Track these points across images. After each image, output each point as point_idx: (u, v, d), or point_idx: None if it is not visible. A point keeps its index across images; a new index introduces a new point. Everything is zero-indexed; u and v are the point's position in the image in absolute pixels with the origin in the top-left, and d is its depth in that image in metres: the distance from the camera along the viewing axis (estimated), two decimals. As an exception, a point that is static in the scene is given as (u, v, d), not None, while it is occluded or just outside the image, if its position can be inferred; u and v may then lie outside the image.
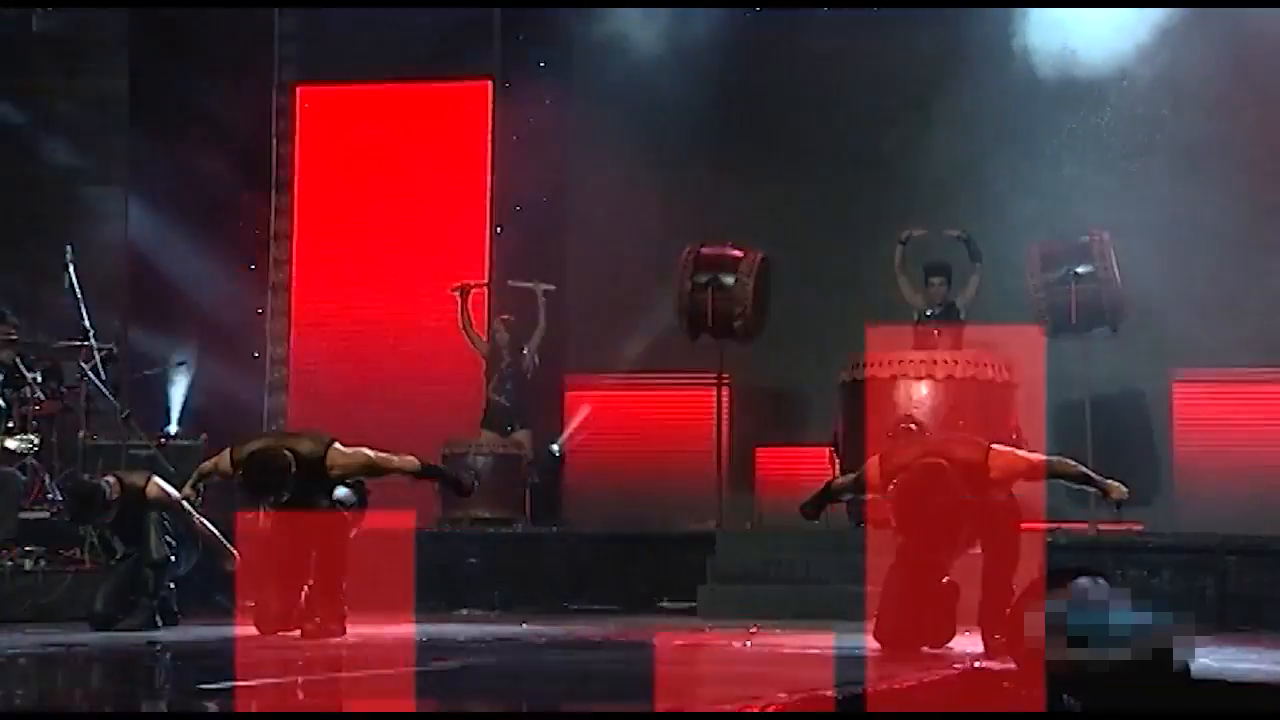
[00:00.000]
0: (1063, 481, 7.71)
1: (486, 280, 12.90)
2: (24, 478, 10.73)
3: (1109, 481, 7.49)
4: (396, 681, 6.03)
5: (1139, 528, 11.62)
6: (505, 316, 12.62)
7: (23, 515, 10.55)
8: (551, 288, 12.60)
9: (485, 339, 12.56)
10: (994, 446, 7.48)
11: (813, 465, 11.39)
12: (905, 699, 5.58)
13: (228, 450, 8.44)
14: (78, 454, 11.31)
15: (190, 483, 8.80)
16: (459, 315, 12.49)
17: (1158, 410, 12.25)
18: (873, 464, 7.56)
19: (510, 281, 12.67)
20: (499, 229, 13.40)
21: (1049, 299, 11.01)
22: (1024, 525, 7.65)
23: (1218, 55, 11.66)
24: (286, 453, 8.11)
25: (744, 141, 13.14)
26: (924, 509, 7.14)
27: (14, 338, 11.32)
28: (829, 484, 7.99)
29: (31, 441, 10.71)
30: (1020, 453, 7.65)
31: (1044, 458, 7.63)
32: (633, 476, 12.77)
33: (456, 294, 12.49)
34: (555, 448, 12.82)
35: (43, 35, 13.57)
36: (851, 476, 7.87)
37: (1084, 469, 7.66)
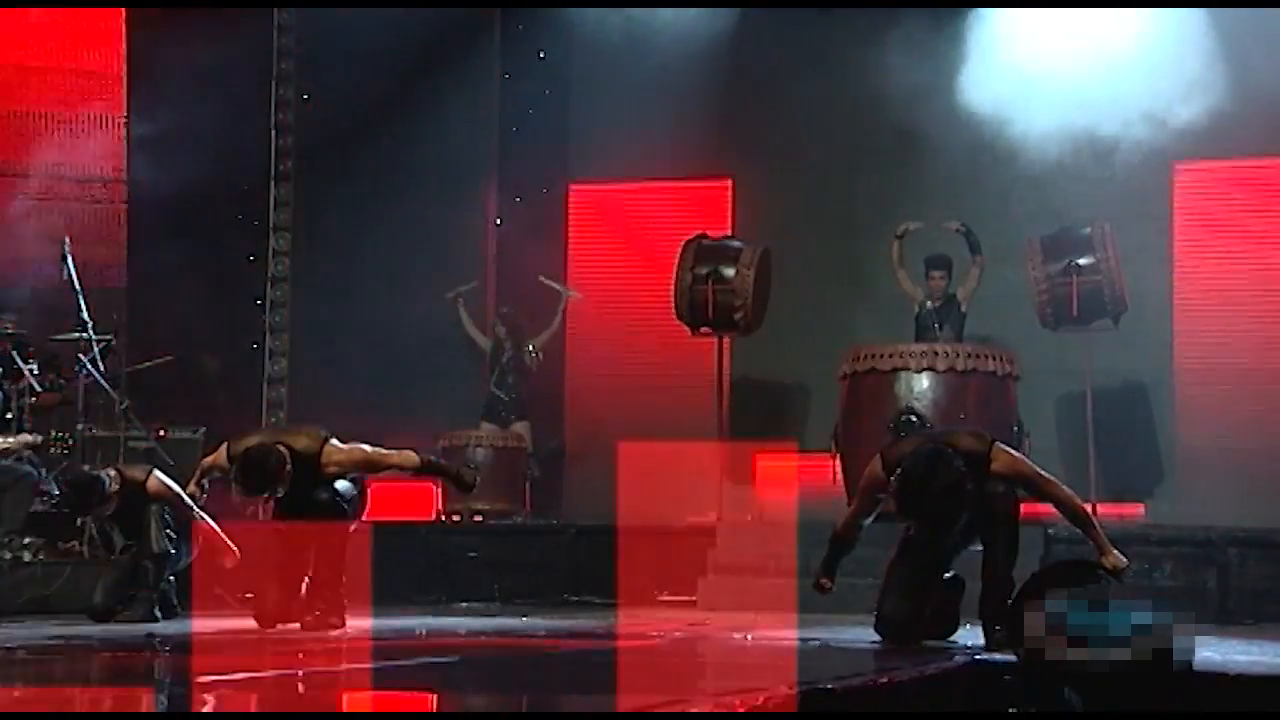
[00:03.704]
0: (1061, 513, 7.56)
1: (474, 282, 12.79)
2: (36, 474, 10.73)
3: (1113, 550, 7.25)
4: (396, 675, 6.01)
5: (1139, 510, 11.64)
6: (504, 309, 12.61)
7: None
8: (579, 296, 12.59)
9: (487, 335, 12.56)
10: (998, 443, 7.44)
11: (814, 471, 11.37)
12: (906, 692, 5.56)
13: (225, 445, 8.42)
14: (76, 446, 11.29)
15: (194, 479, 8.77)
16: (460, 320, 12.50)
17: (1159, 403, 12.24)
18: (874, 463, 7.51)
19: (542, 277, 12.65)
20: (499, 221, 13.39)
21: (1050, 291, 11.00)
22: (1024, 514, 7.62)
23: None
24: (281, 449, 8.08)
25: (745, 133, 13.12)
26: (927, 493, 7.11)
27: (10, 330, 11.31)
28: (833, 535, 7.73)
29: (26, 442, 10.70)
30: (1028, 461, 7.56)
31: (1052, 479, 7.42)
32: (633, 469, 12.74)
33: (457, 302, 12.50)
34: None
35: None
36: (852, 508, 7.77)
37: (1092, 518, 7.45)
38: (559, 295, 12.54)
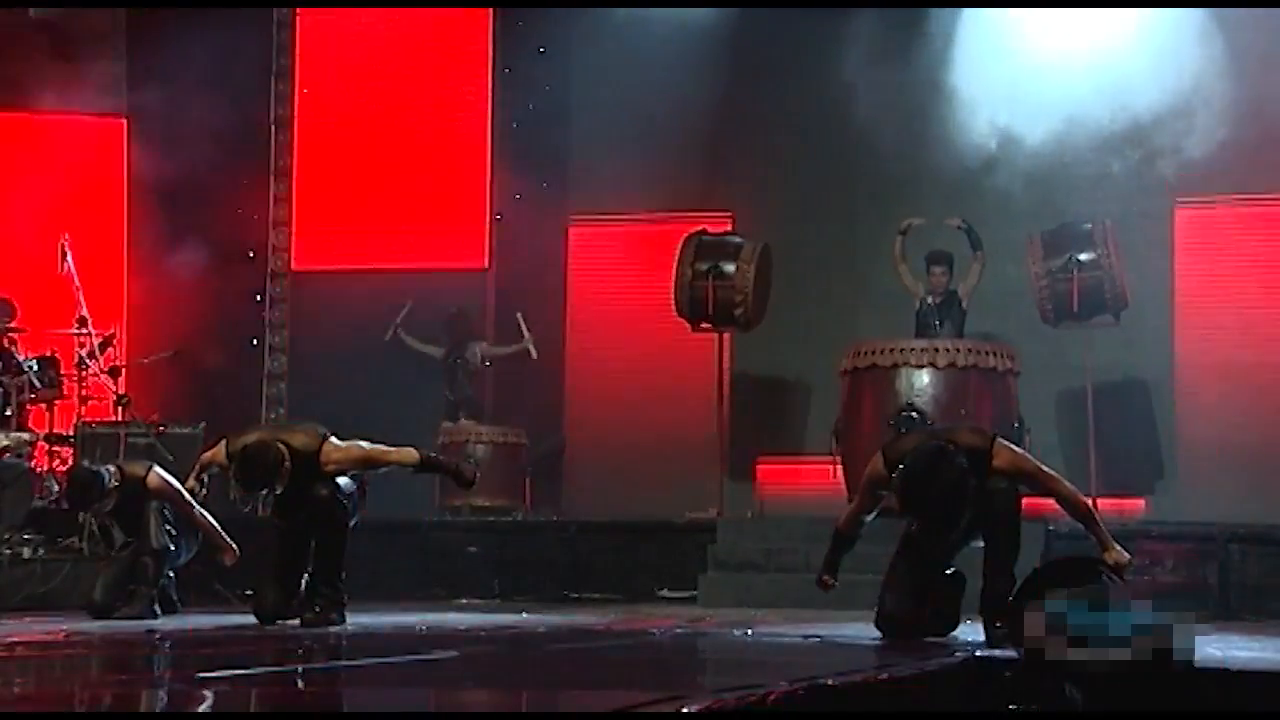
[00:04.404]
0: (1063, 509, 7.53)
1: (409, 304, 12.73)
2: (34, 469, 10.74)
3: (1115, 545, 7.21)
4: (396, 671, 6.01)
5: (1140, 505, 11.63)
6: (452, 310, 12.61)
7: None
8: (534, 355, 12.51)
9: (439, 346, 12.58)
10: (999, 439, 7.42)
11: (815, 479, 11.36)
12: (907, 689, 5.55)
13: (223, 442, 8.40)
14: (76, 442, 11.29)
15: (194, 474, 8.75)
16: (412, 348, 12.52)
17: (1160, 398, 12.24)
18: (875, 460, 7.48)
19: (519, 314, 12.61)
20: (498, 215, 13.39)
21: (1051, 287, 10.99)
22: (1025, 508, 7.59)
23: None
24: (279, 446, 8.04)
25: (745, 127, 13.11)
26: (930, 490, 7.09)
27: (10, 326, 11.30)
28: (835, 532, 7.69)
29: (24, 439, 10.70)
30: (1030, 457, 7.54)
31: (1054, 474, 7.39)
32: (633, 464, 12.74)
33: (398, 334, 12.50)
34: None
35: (38, 22, 13.51)
36: (853, 504, 7.73)
37: (1095, 513, 7.41)
38: (522, 334, 12.53)
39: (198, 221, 13.05)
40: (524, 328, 12.53)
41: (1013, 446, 7.51)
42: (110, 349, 11.68)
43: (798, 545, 10.21)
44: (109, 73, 13.45)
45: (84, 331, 11.45)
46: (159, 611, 8.85)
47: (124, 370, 11.95)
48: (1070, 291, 10.92)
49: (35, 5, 13.31)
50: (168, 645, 7.26)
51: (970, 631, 7.37)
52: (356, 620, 8.30)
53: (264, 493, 8.32)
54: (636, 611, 9.67)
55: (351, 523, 8.34)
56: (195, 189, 12.92)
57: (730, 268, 11.43)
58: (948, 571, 7.52)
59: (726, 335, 11.91)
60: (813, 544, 10.02)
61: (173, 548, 8.94)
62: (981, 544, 7.38)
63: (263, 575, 8.43)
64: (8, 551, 9.98)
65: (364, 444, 8.36)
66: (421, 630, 8.15)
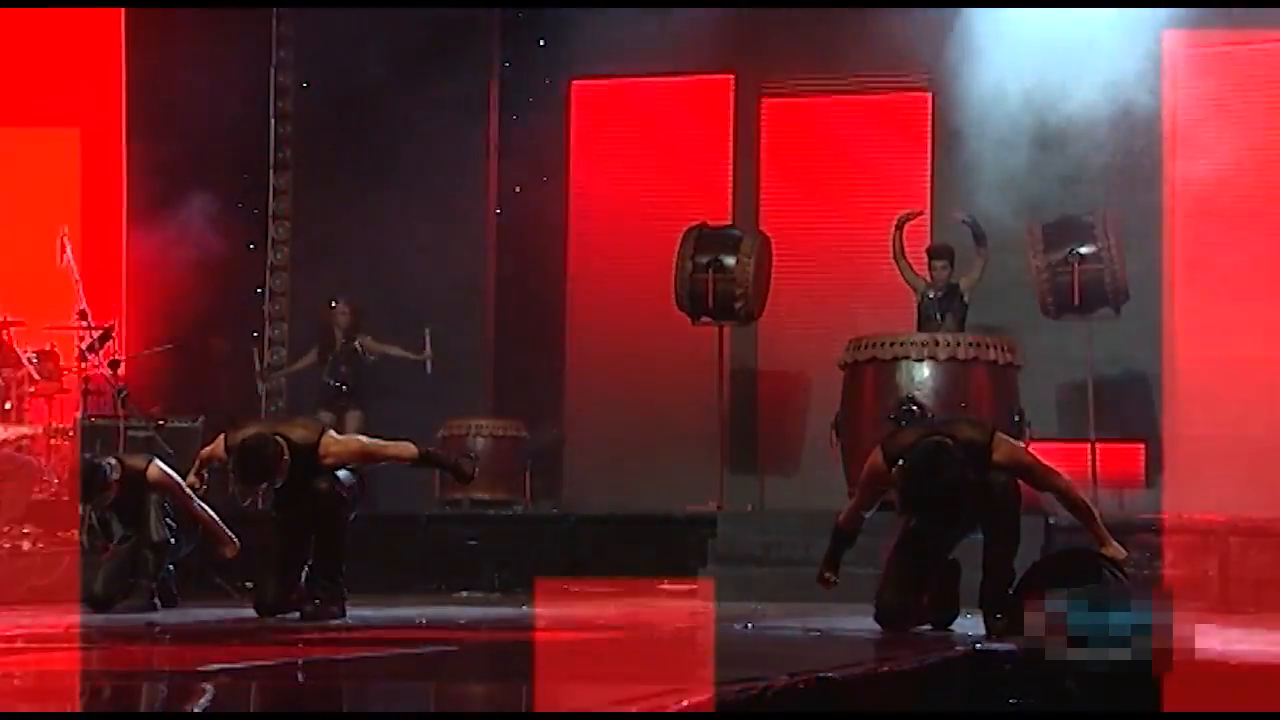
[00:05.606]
0: (1061, 504, 7.51)
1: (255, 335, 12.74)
2: (36, 462, 10.74)
3: (1113, 541, 7.19)
4: (395, 664, 6.01)
5: (1140, 493, 11.65)
6: (345, 299, 12.59)
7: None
8: (429, 371, 12.45)
9: (309, 354, 12.65)
10: (999, 433, 7.41)
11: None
12: (908, 681, 5.55)
13: (222, 436, 8.40)
14: (75, 436, 11.28)
15: (194, 469, 8.75)
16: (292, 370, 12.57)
17: (1160, 391, 12.22)
18: (875, 454, 7.46)
19: (426, 329, 12.54)
20: (499, 210, 13.38)
21: (1051, 280, 10.99)
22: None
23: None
24: (278, 440, 8.04)
25: (746, 121, 13.10)
26: (929, 487, 7.08)
27: (10, 319, 11.29)
28: (836, 529, 7.67)
29: (24, 433, 10.70)
30: (1030, 451, 7.52)
31: (1054, 469, 7.38)
32: (633, 457, 12.74)
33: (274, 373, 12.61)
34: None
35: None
36: (854, 501, 7.71)
37: (1092, 510, 7.38)
38: (424, 346, 12.51)
39: (197, 214, 13.03)
40: (427, 341, 12.49)
41: (1012, 440, 7.50)
42: (110, 342, 11.66)
43: (798, 538, 10.20)
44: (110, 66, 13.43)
45: (83, 324, 11.43)
46: (159, 604, 8.87)
47: (123, 363, 11.93)
48: (1071, 284, 10.91)
49: (36, 5, 13.28)
50: (167, 638, 7.26)
51: (970, 624, 7.37)
52: (356, 613, 8.30)
53: (263, 486, 8.32)
54: (637, 604, 9.67)
55: (351, 516, 8.35)
56: (195, 181, 12.89)
57: (730, 261, 11.43)
58: (946, 563, 7.51)
59: (726, 328, 11.90)
60: (813, 537, 9.97)
61: (173, 541, 8.95)
62: (981, 536, 7.37)
63: (263, 568, 8.43)
64: (7, 544, 9.97)
65: (363, 438, 8.38)
66: (421, 623, 8.15)
